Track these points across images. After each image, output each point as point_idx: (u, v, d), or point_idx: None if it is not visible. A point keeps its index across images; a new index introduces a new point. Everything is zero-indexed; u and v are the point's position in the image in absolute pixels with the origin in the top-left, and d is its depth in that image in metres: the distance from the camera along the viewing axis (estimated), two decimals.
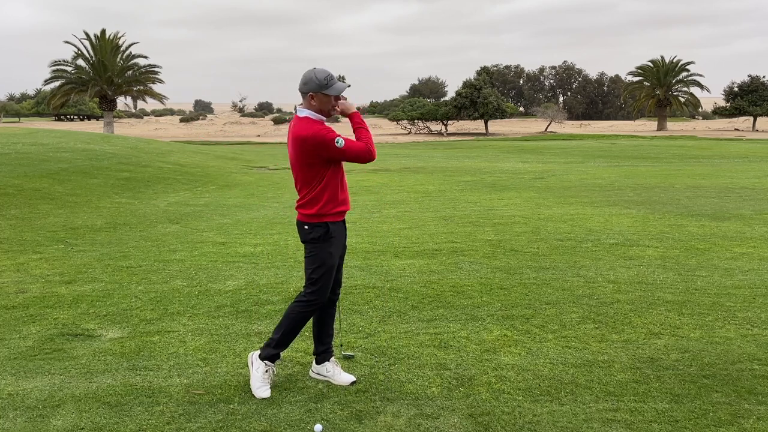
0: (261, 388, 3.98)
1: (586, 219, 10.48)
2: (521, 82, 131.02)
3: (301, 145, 3.80)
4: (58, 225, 10.05)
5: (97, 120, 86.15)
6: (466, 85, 63.16)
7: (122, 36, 49.50)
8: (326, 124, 3.91)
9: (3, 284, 6.54)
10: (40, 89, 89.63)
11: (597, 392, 3.97)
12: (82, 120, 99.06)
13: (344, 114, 3.99)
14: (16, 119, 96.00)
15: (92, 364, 4.47)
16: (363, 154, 3.87)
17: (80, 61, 49.34)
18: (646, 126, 76.69)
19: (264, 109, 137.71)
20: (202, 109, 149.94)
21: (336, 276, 4.10)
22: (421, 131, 66.11)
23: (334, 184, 3.91)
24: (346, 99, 4.02)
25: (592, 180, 17.26)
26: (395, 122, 69.24)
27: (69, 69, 49.21)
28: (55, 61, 48.38)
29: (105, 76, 48.17)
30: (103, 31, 48.66)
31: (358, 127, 3.96)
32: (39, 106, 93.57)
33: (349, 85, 3.97)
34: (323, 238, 3.92)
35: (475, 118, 63.13)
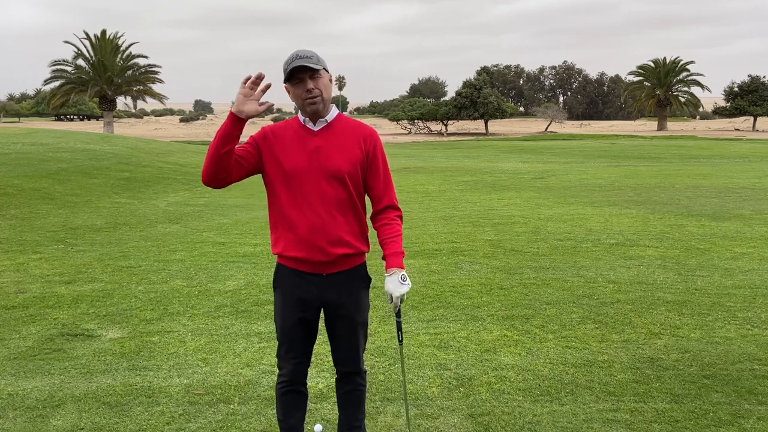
0: None
1: (586, 219, 10.48)
2: (521, 82, 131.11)
3: None
4: (58, 225, 10.05)
5: (97, 120, 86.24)
6: (466, 85, 63.24)
7: (122, 36, 49.64)
8: (308, 126, 2.81)
9: (3, 284, 6.54)
10: (40, 89, 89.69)
11: (597, 392, 3.96)
12: (81, 120, 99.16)
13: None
14: (16, 119, 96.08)
15: (92, 364, 4.46)
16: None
17: (80, 61, 49.46)
18: (646, 126, 76.74)
19: None
20: (202, 109, 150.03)
21: (336, 352, 3.00)
22: (421, 131, 66.13)
23: (286, 213, 2.76)
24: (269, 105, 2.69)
25: (592, 180, 17.26)
26: (395, 122, 69.30)
27: (69, 69, 49.27)
28: (55, 61, 48.41)
29: (105, 76, 48.19)
30: (104, 31, 48.71)
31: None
32: (39, 106, 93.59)
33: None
34: (274, 281, 2.95)
35: (475, 118, 63.20)
